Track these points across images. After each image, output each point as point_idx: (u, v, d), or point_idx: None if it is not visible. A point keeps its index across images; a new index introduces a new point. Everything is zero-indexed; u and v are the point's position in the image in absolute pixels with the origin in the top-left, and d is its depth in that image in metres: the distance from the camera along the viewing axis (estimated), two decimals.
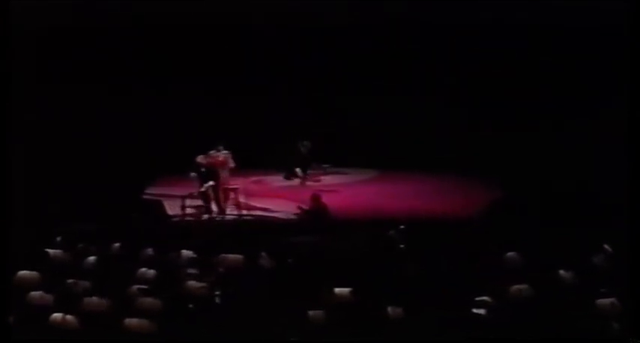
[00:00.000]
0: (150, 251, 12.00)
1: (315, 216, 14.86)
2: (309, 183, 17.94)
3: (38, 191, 13.54)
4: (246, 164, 17.03)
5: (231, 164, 16.05)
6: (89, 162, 16.95)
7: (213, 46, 17.85)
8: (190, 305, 10.24)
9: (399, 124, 18.31)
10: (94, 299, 10.16)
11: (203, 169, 16.04)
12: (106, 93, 17.56)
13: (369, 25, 17.06)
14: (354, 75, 18.21)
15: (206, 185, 15.92)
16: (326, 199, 15.43)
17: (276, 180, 18.24)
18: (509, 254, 11.41)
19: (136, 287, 10.58)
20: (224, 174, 15.97)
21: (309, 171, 18.09)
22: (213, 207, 16.10)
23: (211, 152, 16.25)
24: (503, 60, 17.16)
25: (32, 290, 10.40)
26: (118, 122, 17.83)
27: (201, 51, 17.77)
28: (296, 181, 17.96)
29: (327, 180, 18.29)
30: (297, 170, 17.96)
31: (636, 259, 9.86)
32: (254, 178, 17.94)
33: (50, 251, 11.90)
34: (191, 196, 16.30)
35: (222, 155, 16.11)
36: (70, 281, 10.72)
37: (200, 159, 16.06)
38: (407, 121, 18.13)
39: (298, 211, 15.21)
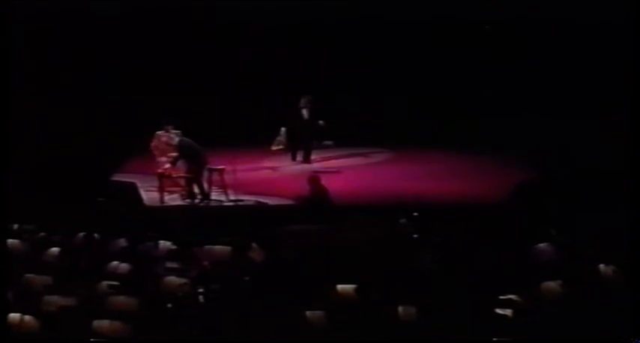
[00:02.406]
0: (122, 242, 12.01)
1: (314, 201, 14.80)
2: (314, 164, 17.68)
3: None
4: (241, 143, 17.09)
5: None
6: (52, 141, 17.10)
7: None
8: (169, 305, 10.19)
9: (410, 99, 18.70)
10: (57, 297, 10.08)
11: (181, 149, 16.03)
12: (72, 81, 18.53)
13: None
14: (367, 47, 18.96)
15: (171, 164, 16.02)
16: (326, 182, 15.38)
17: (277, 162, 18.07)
18: (541, 245, 11.38)
19: (106, 283, 10.53)
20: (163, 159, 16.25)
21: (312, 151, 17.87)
22: (196, 190, 16.06)
23: (159, 132, 16.47)
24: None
25: None
26: (83, 101, 18.35)
27: (187, 45, 18.94)
28: (302, 167, 17.57)
29: (332, 161, 18.07)
30: (282, 130, 17.60)
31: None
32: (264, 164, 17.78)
33: (7, 240, 11.83)
34: (170, 178, 16.26)
35: (171, 135, 16.25)
36: (29, 275, 10.67)
37: (152, 144, 16.44)
38: (418, 96, 18.72)
39: (295, 196, 15.17)
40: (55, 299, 10.11)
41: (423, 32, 18.77)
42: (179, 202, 16.05)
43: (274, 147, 17.78)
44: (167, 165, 16.14)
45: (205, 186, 16.08)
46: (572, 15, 17.47)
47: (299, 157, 17.99)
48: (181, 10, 17.96)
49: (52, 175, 15.27)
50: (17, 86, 11.85)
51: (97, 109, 18.33)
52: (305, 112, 17.77)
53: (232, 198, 16.07)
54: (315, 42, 18.80)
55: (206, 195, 16.05)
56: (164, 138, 16.51)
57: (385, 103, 18.90)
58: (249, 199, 16.07)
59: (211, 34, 18.61)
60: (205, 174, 16.08)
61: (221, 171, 16.21)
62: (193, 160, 15.99)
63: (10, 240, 11.92)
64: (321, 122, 17.59)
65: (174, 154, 16.14)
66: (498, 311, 9.72)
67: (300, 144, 17.91)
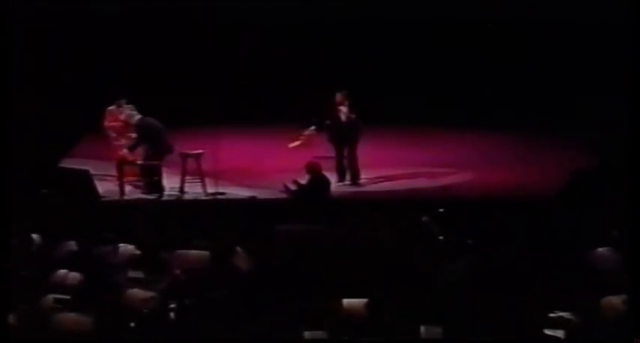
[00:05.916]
0: (72, 245, 11.95)
1: (313, 194, 14.76)
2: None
3: None
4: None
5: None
6: (52, 141, 17.98)
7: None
8: (132, 324, 10.14)
9: (410, 99, 20.26)
10: None
11: (140, 129, 16.03)
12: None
13: None
14: (367, 46, 21.22)
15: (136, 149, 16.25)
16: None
17: None
18: (600, 250, 11.41)
19: (52, 297, 10.47)
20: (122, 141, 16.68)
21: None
22: (166, 181, 16.04)
23: (111, 108, 16.98)
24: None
25: None
26: (83, 101, 19.74)
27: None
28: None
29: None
30: (311, 128, 16.77)
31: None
32: None
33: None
34: (133, 165, 16.24)
35: (125, 113, 16.57)
36: None
37: (107, 123, 17.06)
38: (418, 96, 20.42)
39: (289, 187, 15.11)
40: None
41: (422, 32, 20.92)
42: (143, 195, 16.00)
43: (294, 144, 16.91)
44: (124, 150, 16.14)
45: (180, 178, 16.06)
46: (572, 15, 19.70)
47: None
48: (181, 10, 20.43)
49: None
50: (17, 86, 12.87)
51: (97, 109, 19.20)
52: (343, 113, 16.79)
53: (211, 190, 16.02)
54: (315, 42, 20.93)
55: (179, 187, 16.00)
56: (122, 116, 16.52)
57: (385, 103, 20.06)
58: (232, 192, 16.03)
59: (211, 34, 21.01)
60: (180, 161, 16.09)
61: (198, 156, 16.14)
62: (154, 144, 15.95)
63: None
64: (343, 92, 16.79)
65: (134, 136, 16.12)
66: (547, 331, 9.72)
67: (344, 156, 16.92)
